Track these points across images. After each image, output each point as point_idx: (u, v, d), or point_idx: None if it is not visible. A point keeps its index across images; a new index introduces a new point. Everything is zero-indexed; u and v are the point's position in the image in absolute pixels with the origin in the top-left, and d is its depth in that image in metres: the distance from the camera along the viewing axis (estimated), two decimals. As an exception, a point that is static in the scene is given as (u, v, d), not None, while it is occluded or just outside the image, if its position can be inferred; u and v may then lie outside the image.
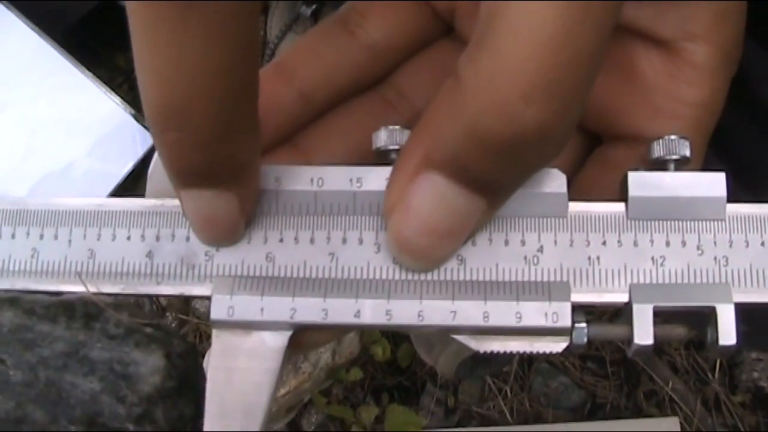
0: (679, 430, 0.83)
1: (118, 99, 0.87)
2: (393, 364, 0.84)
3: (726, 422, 0.86)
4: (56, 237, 0.29)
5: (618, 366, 0.88)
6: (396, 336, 0.80)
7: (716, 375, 0.86)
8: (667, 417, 0.84)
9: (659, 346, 0.90)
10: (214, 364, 0.28)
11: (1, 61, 0.89)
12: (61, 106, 0.90)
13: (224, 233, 0.30)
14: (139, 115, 0.84)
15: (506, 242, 0.28)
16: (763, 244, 0.29)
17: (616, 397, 0.86)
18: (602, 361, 0.87)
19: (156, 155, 0.31)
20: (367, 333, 0.75)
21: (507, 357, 0.77)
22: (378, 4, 0.37)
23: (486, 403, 0.85)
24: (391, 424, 0.79)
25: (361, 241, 0.28)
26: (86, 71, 0.85)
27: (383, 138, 0.29)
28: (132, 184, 0.80)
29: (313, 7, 0.73)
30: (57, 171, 0.87)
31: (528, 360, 0.85)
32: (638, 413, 0.86)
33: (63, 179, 0.87)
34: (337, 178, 0.29)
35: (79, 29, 0.88)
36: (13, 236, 0.29)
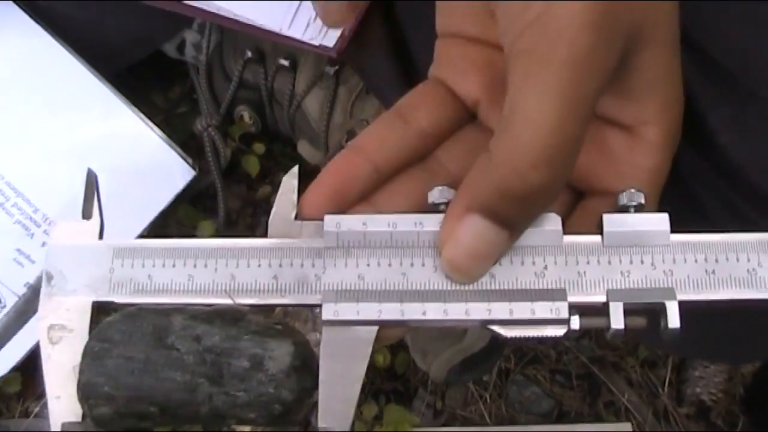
0: (631, 434, 0.92)
1: (162, 134, 0.91)
2: (391, 371, 0.92)
3: (672, 430, 0.95)
4: (206, 266, 0.41)
5: (582, 379, 0.96)
6: (394, 346, 0.89)
7: (665, 389, 0.95)
8: (621, 423, 0.93)
9: (619, 361, 0.98)
10: (324, 351, 0.40)
11: (50, 90, 0.91)
12: (105, 136, 0.91)
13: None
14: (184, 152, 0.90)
15: (522, 263, 0.40)
16: (696, 260, 0.41)
17: (580, 406, 0.94)
18: (569, 374, 0.96)
19: (278, 202, 0.44)
20: None
21: (489, 366, 0.88)
22: (424, 100, 0.48)
23: (468, 407, 0.93)
24: (389, 421, 0.88)
25: (423, 264, 0.40)
26: (132, 106, 0.90)
27: (436, 194, 0.41)
28: (161, 220, 0.87)
29: (336, 68, 0.81)
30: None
31: (505, 372, 0.94)
32: (598, 420, 0.94)
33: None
34: (406, 223, 0.41)
35: (127, 71, 0.94)
36: (173, 265, 0.41)
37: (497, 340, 0.79)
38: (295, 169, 0.44)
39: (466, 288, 0.40)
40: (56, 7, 0.90)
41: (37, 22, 0.91)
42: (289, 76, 0.84)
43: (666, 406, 0.99)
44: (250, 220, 1.00)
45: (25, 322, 0.88)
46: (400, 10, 0.69)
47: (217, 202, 0.92)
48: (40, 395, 0.97)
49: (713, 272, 0.41)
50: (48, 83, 0.93)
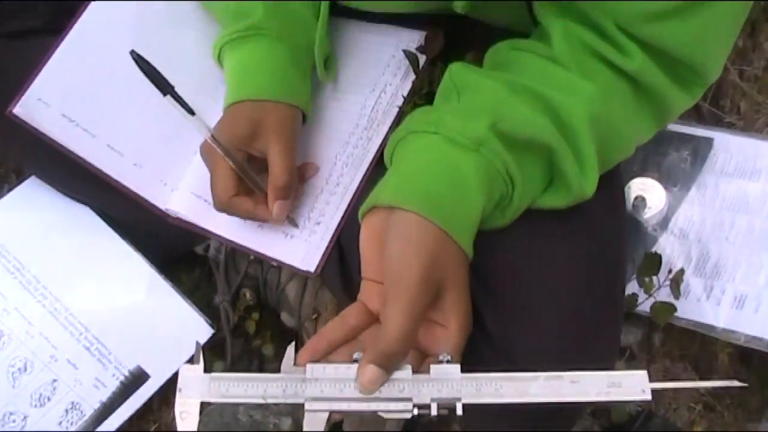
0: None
1: (192, 304, 1.14)
2: None
3: None
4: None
5: None
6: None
7: None
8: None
9: None
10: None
11: (112, 273, 1.14)
12: (150, 306, 1.14)
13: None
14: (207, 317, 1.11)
15: (391, 385, 0.70)
16: (478, 387, 0.71)
17: None
18: None
19: (286, 357, 0.70)
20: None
21: None
22: (354, 311, 0.75)
23: None
24: None
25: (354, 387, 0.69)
26: (171, 284, 1.14)
27: (356, 355, 0.70)
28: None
29: None
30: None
31: None
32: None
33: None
34: (342, 368, 0.70)
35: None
36: (245, 385, 0.80)
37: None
38: (292, 345, 0.71)
39: (369, 396, 0.69)
40: (121, 215, 1.14)
41: (107, 223, 1.15)
42: (276, 272, 1.14)
43: None
44: (246, 363, 1.19)
45: (98, 425, 1.12)
46: (348, 254, 0.97)
47: (226, 350, 1.16)
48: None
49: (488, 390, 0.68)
50: (114, 271, 1.16)
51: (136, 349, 1.15)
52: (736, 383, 0.71)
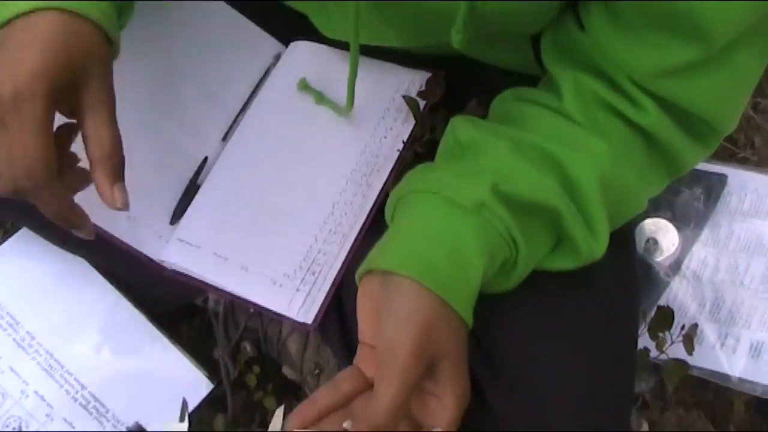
0: None
1: (192, 359, 1.11)
2: None
3: None
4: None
5: None
6: None
7: None
8: None
9: None
10: None
11: (111, 328, 1.12)
12: (151, 364, 1.13)
13: None
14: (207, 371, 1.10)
15: None
16: None
17: None
18: None
19: (273, 421, 0.78)
20: None
21: None
22: (348, 377, 0.73)
23: None
24: None
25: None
26: (172, 341, 1.12)
27: (347, 425, 0.69)
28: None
29: None
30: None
31: None
32: None
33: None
34: None
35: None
36: None
37: None
38: (281, 409, 0.75)
39: None
40: (117, 268, 1.12)
41: (103, 276, 1.13)
42: (277, 326, 1.13)
43: None
44: (249, 417, 1.16)
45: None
46: (348, 309, 0.93)
47: (227, 403, 1.14)
48: None
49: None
50: (111, 325, 1.13)
51: (134, 406, 1.12)
52: None
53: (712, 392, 1.26)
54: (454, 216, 0.73)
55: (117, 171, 0.74)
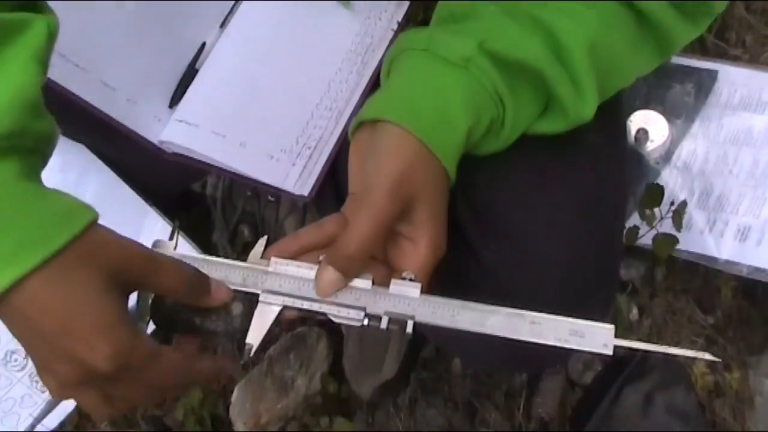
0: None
1: (191, 241, 1.12)
2: (339, 396, 1.17)
3: None
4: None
5: (465, 406, 1.19)
6: (341, 379, 1.13)
7: (519, 410, 1.19)
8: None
9: (489, 392, 1.18)
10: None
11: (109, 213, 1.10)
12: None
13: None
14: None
15: (351, 292, 0.70)
16: (432, 310, 0.69)
17: (463, 424, 1.18)
18: (456, 403, 1.19)
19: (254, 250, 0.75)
20: (324, 376, 1.13)
21: (399, 388, 1.12)
22: (332, 221, 0.73)
23: (389, 422, 1.18)
24: (337, 429, 1.14)
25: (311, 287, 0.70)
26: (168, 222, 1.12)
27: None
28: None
29: (304, 204, 1.06)
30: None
31: (414, 400, 1.18)
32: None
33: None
34: (308, 270, 0.70)
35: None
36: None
37: (404, 370, 1.13)
38: (265, 239, 0.73)
39: (325, 300, 0.69)
40: (116, 154, 1.14)
41: (104, 162, 1.15)
42: (274, 208, 1.15)
43: (520, 423, 1.22)
44: None
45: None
46: (342, 171, 0.85)
47: None
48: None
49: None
50: (110, 208, 1.15)
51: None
52: (708, 356, 0.70)
53: (701, 279, 1.28)
54: (441, 71, 0.75)
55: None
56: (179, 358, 0.70)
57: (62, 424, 1.19)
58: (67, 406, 1.17)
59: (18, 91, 0.66)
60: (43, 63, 0.68)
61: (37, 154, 0.69)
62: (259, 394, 1.16)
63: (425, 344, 1.23)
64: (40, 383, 1.09)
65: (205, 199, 1.21)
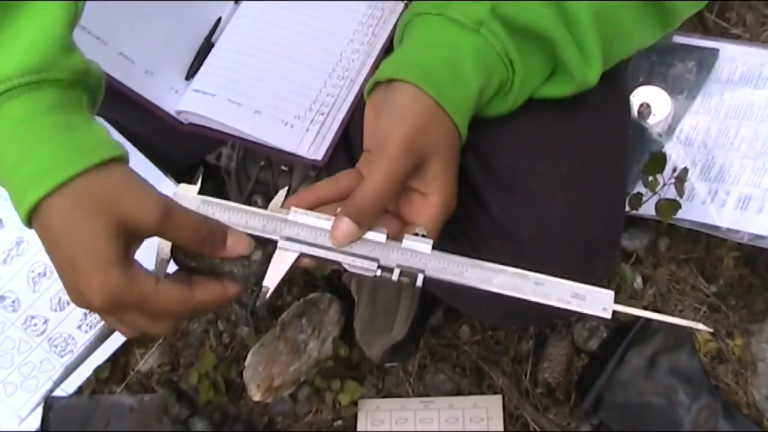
0: (501, 405, 1.16)
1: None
2: (350, 360, 1.22)
3: (531, 403, 1.21)
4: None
5: (473, 371, 1.21)
6: (351, 342, 1.16)
7: (527, 376, 1.20)
8: (494, 395, 1.17)
9: (497, 358, 1.18)
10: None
11: None
12: None
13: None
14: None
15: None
16: (444, 263, 0.71)
17: (471, 388, 1.20)
18: (464, 367, 1.21)
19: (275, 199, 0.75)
20: (336, 341, 1.15)
21: (408, 351, 1.14)
22: (347, 175, 0.76)
23: (399, 386, 1.21)
24: (347, 391, 1.17)
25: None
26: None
27: (339, 209, 0.71)
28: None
29: (316, 172, 1.09)
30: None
31: (422, 365, 1.20)
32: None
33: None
34: (324, 219, 0.72)
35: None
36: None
37: (413, 333, 1.14)
38: (285, 189, 0.75)
39: (341, 250, 0.71)
40: (134, 126, 1.16)
41: (121, 134, 1.15)
42: (287, 177, 1.16)
43: (527, 388, 1.23)
44: None
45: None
46: (354, 137, 0.99)
47: None
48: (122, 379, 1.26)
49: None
50: None
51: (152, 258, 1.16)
52: (701, 326, 0.73)
53: (703, 248, 1.31)
54: (455, 33, 0.77)
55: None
56: (177, 292, 0.72)
57: (80, 388, 1.22)
58: (85, 370, 1.19)
59: (44, 26, 0.70)
60: None
61: (78, 87, 0.73)
62: (272, 358, 1.17)
63: (434, 311, 1.25)
64: (59, 348, 1.14)
65: (219, 172, 1.22)
